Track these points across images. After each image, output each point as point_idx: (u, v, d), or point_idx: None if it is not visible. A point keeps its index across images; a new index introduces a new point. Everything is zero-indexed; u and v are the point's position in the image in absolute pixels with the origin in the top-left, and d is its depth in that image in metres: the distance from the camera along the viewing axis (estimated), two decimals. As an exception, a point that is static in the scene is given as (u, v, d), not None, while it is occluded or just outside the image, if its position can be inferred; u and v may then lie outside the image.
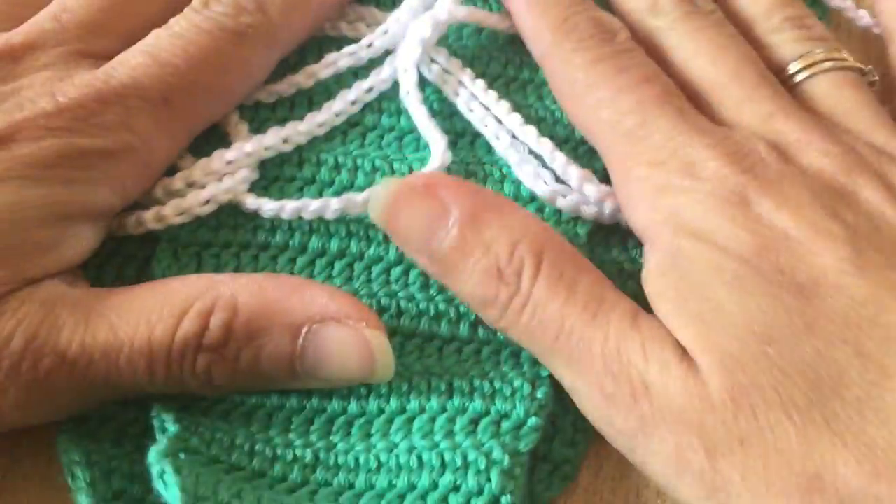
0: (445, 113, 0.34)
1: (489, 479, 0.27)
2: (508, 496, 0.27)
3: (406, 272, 0.31)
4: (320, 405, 0.30)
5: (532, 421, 0.29)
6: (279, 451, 0.29)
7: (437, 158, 0.32)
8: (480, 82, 0.34)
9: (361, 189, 0.32)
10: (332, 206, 0.31)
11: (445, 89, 0.34)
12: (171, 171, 0.32)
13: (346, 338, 0.28)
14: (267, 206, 0.31)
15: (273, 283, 0.29)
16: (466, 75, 0.34)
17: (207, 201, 0.31)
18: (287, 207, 0.31)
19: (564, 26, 0.32)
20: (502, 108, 0.33)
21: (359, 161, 0.33)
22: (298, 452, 0.29)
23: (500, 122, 0.33)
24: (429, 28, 0.33)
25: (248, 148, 0.32)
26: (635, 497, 0.30)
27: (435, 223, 0.28)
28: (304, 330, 0.28)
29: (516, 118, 0.33)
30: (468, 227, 0.28)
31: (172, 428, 0.28)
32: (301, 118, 0.33)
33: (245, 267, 0.31)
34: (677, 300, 0.28)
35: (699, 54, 0.33)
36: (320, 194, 0.32)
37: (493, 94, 0.33)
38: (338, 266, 0.31)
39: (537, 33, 0.33)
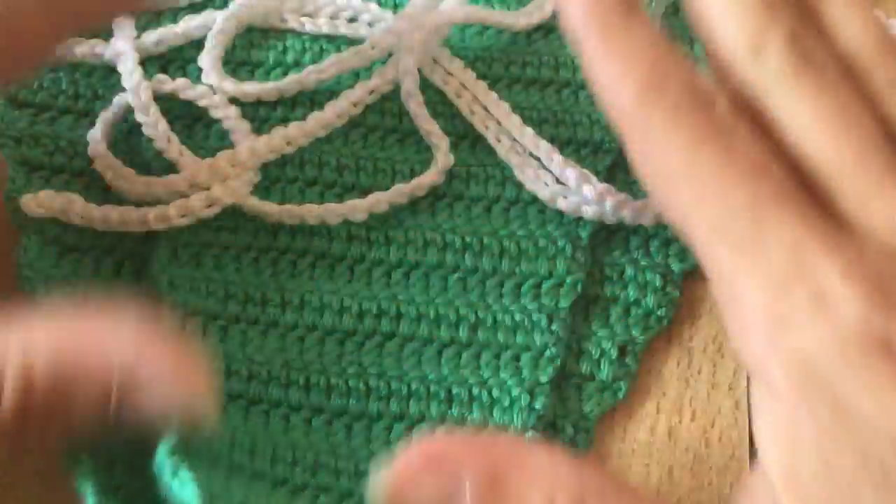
0: (447, 114, 0.34)
1: None
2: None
3: (406, 275, 0.31)
4: (318, 403, 0.30)
5: (530, 434, 0.29)
6: (279, 452, 0.29)
7: (439, 161, 0.32)
8: (482, 83, 0.34)
9: (364, 190, 0.32)
10: (335, 211, 0.31)
11: (447, 90, 0.34)
12: (174, 171, 0.31)
13: (163, 392, 0.24)
14: (269, 210, 0.31)
15: (74, 341, 0.24)
16: (468, 76, 0.34)
17: (211, 204, 0.31)
18: (290, 212, 0.31)
19: (652, 84, 0.25)
20: (502, 109, 0.33)
21: (361, 162, 0.33)
22: (299, 455, 0.29)
23: (500, 124, 0.33)
24: (431, 28, 0.33)
25: (252, 149, 0.32)
26: (634, 498, 0.30)
27: (451, 498, 0.24)
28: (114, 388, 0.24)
29: (515, 120, 0.33)
30: (489, 492, 0.24)
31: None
32: (303, 119, 0.33)
33: (246, 269, 0.31)
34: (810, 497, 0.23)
35: (813, 125, 0.25)
36: (322, 196, 0.32)
37: (493, 95, 0.33)
38: (339, 269, 0.31)
39: (616, 86, 0.26)
